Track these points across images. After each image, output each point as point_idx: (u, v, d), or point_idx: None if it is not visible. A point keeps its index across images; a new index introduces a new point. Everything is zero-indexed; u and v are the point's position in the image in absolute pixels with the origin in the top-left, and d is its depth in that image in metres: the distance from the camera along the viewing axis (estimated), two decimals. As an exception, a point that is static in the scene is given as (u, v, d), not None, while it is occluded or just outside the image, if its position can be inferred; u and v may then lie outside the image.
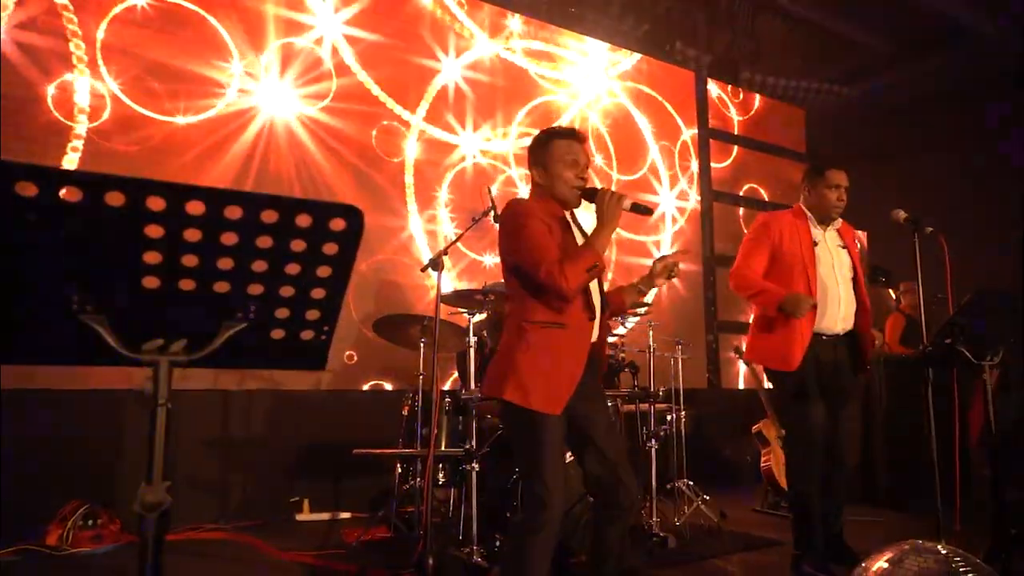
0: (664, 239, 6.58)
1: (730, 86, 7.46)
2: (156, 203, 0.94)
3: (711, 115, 7.18)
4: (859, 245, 3.37)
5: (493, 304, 3.72)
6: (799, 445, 3.04)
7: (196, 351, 1.09)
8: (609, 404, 3.85)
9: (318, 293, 1.12)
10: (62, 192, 0.89)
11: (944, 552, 1.82)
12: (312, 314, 1.14)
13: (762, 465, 4.72)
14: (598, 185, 2.41)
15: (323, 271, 1.09)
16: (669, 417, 4.29)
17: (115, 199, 0.92)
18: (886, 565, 1.83)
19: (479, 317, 3.87)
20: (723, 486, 5.09)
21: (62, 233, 0.92)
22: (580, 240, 2.28)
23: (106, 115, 4.04)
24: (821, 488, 3.04)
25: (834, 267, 3.02)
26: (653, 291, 2.72)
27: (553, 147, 2.27)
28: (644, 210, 2.21)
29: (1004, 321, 2.42)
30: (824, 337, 2.99)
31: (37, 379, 3.59)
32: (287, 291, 1.10)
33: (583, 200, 2.28)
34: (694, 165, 6.93)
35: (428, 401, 3.45)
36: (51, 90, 3.92)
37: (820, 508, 2.97)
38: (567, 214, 2.32)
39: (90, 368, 3.61)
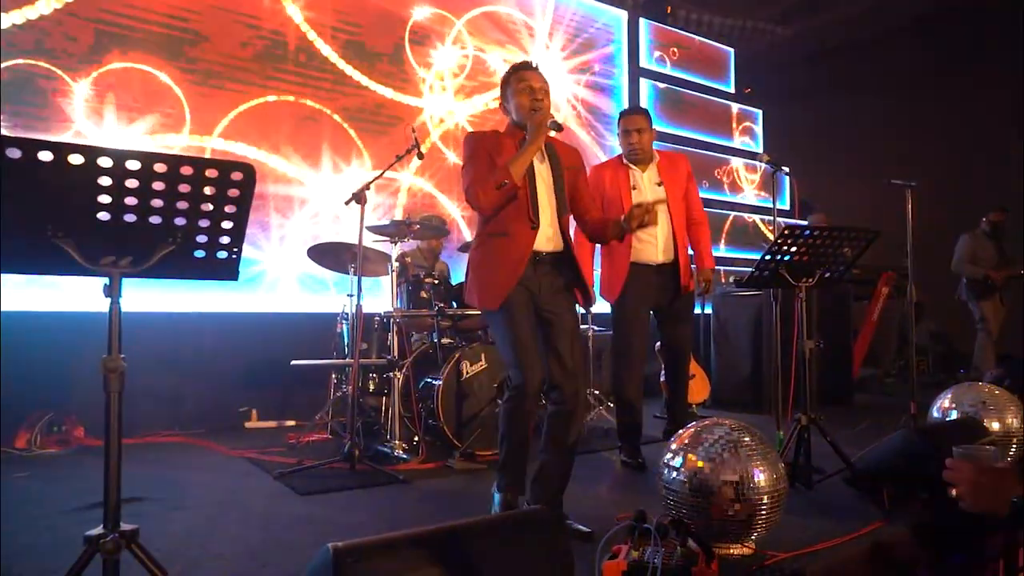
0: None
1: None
2: (105, 161, 1.36)
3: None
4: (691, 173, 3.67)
5: (419, 233, 4.16)
6: (617, 359, 3.55)
7: (139, 265, 1.52)
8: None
9: (227, 224, 1.56)
10: (39, 155, 1.30)
11: (732, 425, 2.37)
12: (224, 239, 1.58)
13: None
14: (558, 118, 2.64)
15: (229, 208, 1.53)
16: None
17: (76, 159, 1.33)
18: (686, 433, 2.39)
19: (408, 246, 4.32)
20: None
21: (38, 183, 1.34)
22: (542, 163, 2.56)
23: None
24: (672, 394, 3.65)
25: None
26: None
27: (511, 80, 2.62)
28: (557, 126, 2.49)
29: (822, 251, 2.95)
30: (653, 267, 3.46)
31: (9, 304, 3.94)
32: (204, 223, 1.53)
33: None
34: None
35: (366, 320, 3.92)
36: None
37: (639, 409, 3.52)
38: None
39: (59, 296, 4.02)
